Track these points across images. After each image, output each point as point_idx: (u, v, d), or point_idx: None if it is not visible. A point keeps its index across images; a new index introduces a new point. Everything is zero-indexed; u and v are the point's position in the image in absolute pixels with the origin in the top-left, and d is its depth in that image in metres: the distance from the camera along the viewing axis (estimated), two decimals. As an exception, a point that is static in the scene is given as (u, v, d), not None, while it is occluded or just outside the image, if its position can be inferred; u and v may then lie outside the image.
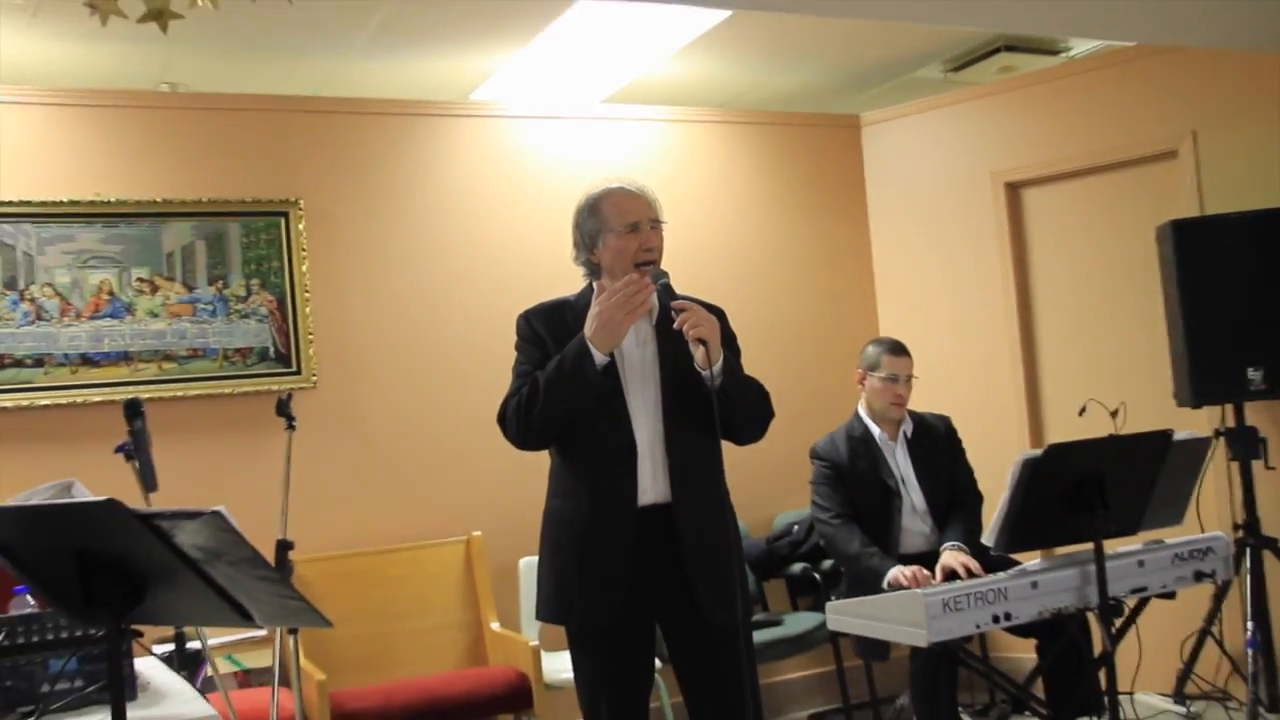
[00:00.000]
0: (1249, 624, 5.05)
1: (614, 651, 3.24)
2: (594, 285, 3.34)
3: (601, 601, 3.18)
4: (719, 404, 3.08)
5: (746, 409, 3.30)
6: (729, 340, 3.32)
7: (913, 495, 4.79)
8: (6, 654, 2.69)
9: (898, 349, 4.85)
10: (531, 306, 3.38)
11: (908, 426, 4.87)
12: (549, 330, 3.29)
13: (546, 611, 3.32)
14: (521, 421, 3.20)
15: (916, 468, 4.82)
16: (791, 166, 6.34)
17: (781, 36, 5.49)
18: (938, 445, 4.90)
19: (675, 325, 3.11)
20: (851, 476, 4.76)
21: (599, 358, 3.12)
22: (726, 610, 3.16)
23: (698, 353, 3.09)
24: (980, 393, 5.96)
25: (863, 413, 4.89)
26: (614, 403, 3.20)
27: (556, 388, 3.14)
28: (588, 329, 3.12)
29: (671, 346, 3.22)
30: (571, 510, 3.26)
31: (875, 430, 4.83)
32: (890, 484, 4.76)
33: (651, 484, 3.20)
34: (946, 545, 4.56)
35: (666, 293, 3.20)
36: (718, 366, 3.10)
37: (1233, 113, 5.50)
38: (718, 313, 3.28)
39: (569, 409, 3.16)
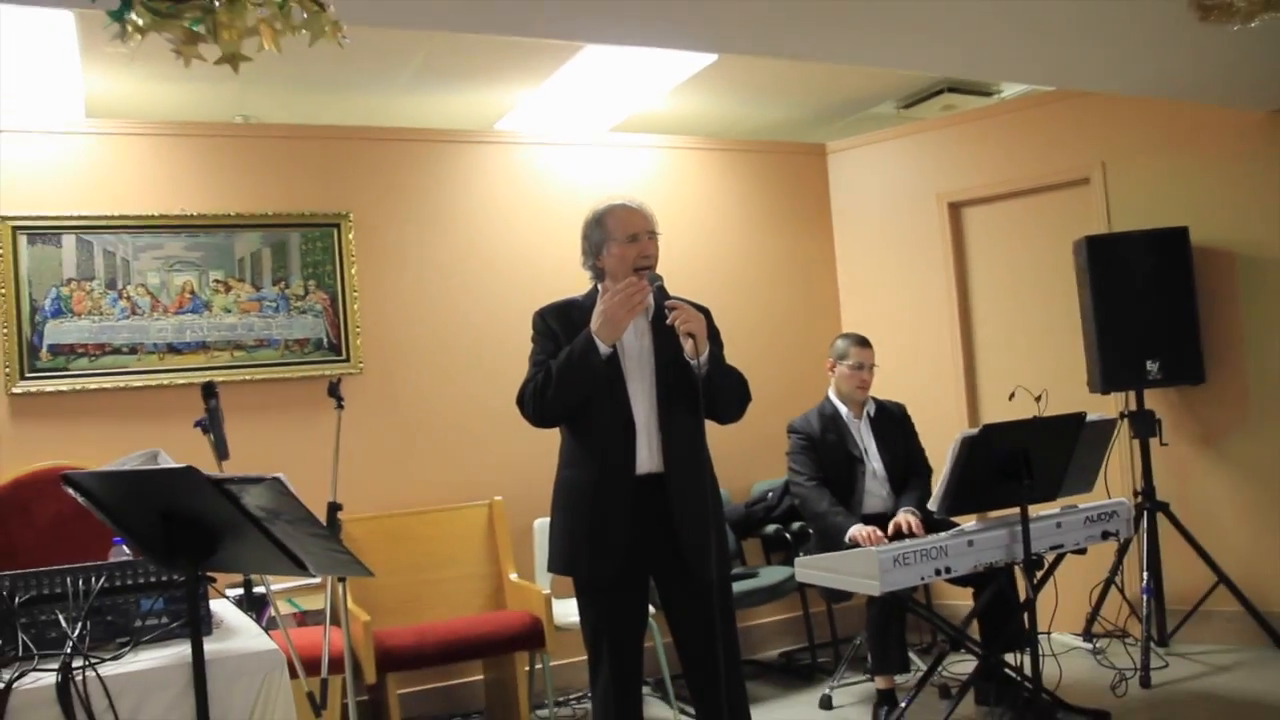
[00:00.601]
0: (1144, 574, 5.11)
1: (614, 600, 3.23)
2: (599, 287, 3.33)
3: (605, 557, 3.18)
4: (704, 389, 3.10)
5: (728, 393, 3.30)
6: (714, 335, 3.32)
7: (874, 463, 4.83)
8: (107, 594, 2.71)
9: (862, 342, 4.92)
10: (545, 305, 3.38)
11: (870, 408, 4.94)
12: (560, 325, 3.28)
13: (558, 565, 3.32)
14: (537, 403, 3.20)
15: (878, 441, 4.88)
16: (769, 187, 6.34)
17: (761, 78, 5.49)
18: (896, 425, 4.98)
19: (668, 321, 3.12)
20: (822, 447, 4.81)
21: (603, 348, 3.13)
22: (704, 563, 3.17)
23: (687, 345, 3.10)
24: (926, 380, 5.97)
25: (832, 395, 4.94)
26: (616, 387, 3.20)
27: (567, 374, 3.14)
28: (594, 324, 3.12)
29: (665, 339, 3.22)
30: (580, 478, 3.25)
31: (843, 410, 4.88)
32: (855, 453, 4.81)
33: (648, 456, 3.20)
34: (902, 509, 4.60)
35: (661, 293, 3.21)
36: (704, 356, 3.11)
37: (1136, 148, 5.53)
38: (704, 311, 3.29)
39: (578, 392, 3.17)
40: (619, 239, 3.24)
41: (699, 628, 3.20)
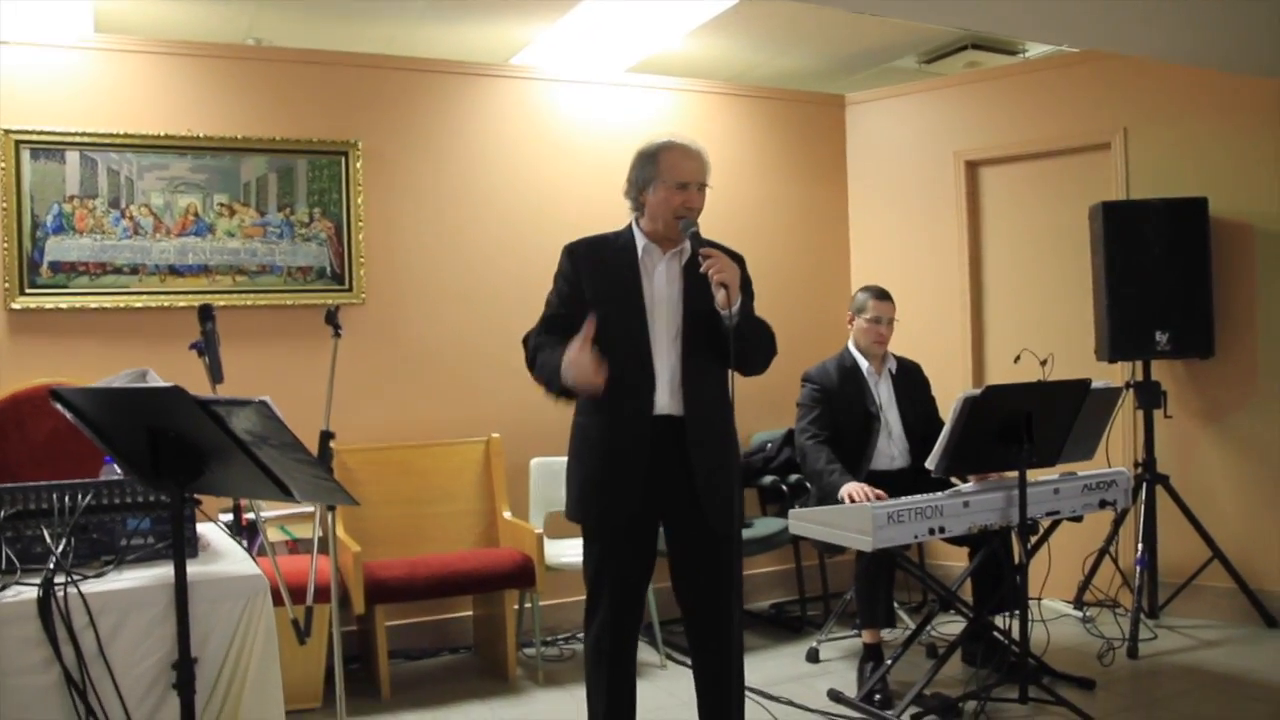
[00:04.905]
0: (1139, 546, 5.10)
1: (621, 541, 3.17)
2: (634, 224, 3.22)
3: (621, 499, 3.12)
4: (733, 340, 2.97)
5: (757, 345, 3.18)
6: (745, 284, 3.19)
7: (891, 421, 4.73)
8: (93, 512, 2.71)
9: (882, 295, 4.78)
10: (578, 239, 3.26)
11: (892, 364, 4.83)
12: (586, 265, 3.18)
13: (574, 511, 3.25)
14: (529, 367, 3.22)
15: (898, 398, 4.77)
16: (785, 136, 6.25)
17: (782, 24, 5.41)
18: (917, 383, 4.88)
19: (701, 269, 2.98)
20: (839, 399, 4.68)
21: (560, 386, 3.05)
22: (726, 519, 3.08)
23: (719, 294, 2.96)
24: (933, 339, 5.91)
25: (852, 348, 4.82)
26: (638, 336, 3.11)
27: (539, 377, 3.16)
28: (564, 361, 3.02)
29: (695, 287, 3.10)
30: (595, 424, 3.18)
31: (863, 363, 4.77)
32: (872, 410, 4.69)
33: (668, 401, 3.12)
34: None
35: (696, 240, 3.07)
36: (736, 307, 2.97)
37: (1158, 114, 5.44)
38: (739, 259, 3.17)
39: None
40: (668, 183, 3.10)
41: (706, 576, 3.16)
